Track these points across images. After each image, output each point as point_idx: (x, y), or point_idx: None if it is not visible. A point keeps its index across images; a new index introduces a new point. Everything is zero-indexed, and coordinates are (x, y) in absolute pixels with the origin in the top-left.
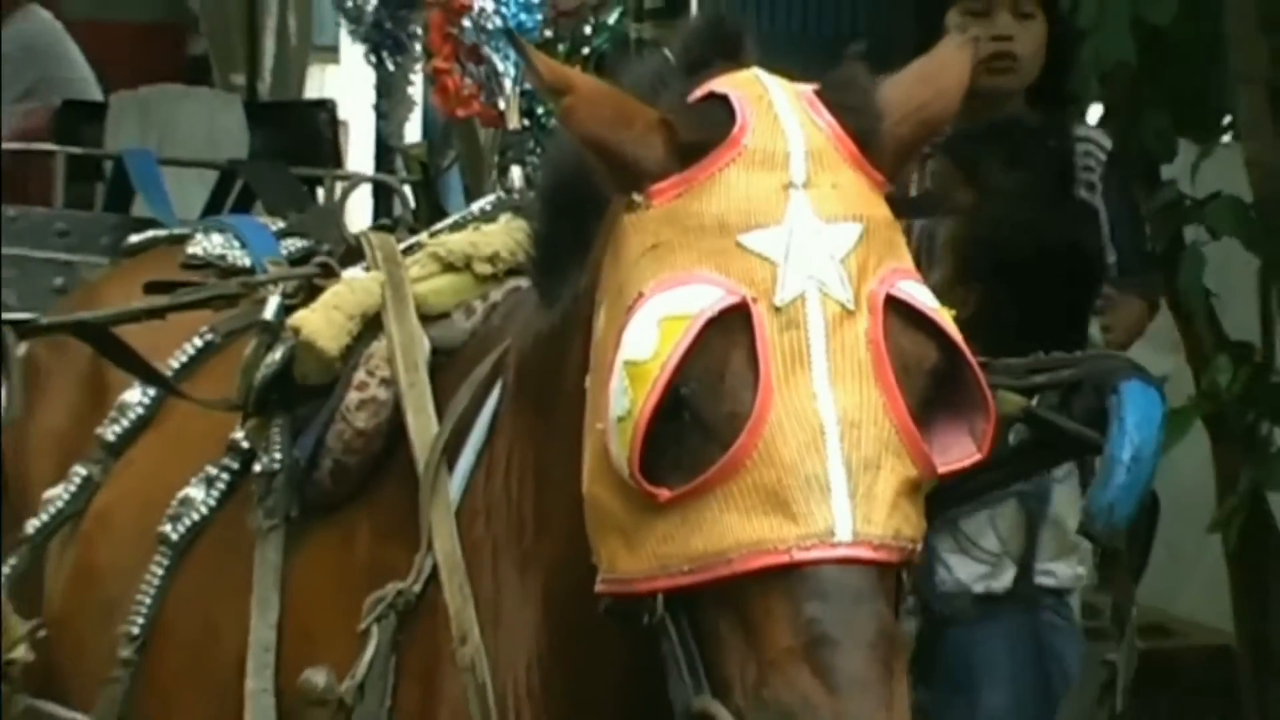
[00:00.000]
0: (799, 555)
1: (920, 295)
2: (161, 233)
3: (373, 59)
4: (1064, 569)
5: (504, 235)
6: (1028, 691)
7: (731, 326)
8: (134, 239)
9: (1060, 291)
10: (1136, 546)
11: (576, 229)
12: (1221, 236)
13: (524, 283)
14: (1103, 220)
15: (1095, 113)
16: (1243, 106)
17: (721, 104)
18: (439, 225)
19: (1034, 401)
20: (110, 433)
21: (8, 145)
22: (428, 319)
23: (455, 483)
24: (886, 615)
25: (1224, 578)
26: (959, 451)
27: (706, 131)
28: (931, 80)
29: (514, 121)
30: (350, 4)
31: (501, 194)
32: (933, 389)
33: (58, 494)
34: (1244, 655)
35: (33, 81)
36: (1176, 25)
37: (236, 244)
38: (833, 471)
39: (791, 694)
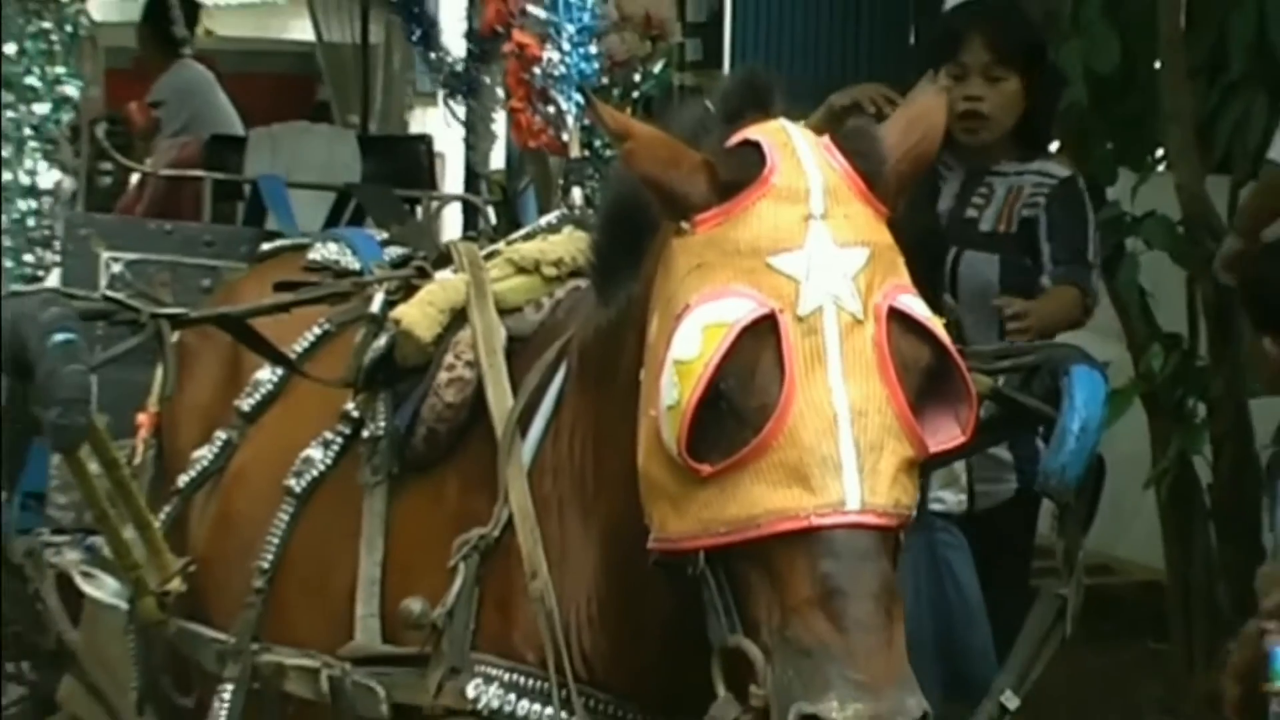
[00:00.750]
0: (816, 521)
1: (916, 307)
2: (288, 242)
3: (451, 101)
4: (950, 496)
5: (567, 244)
6: (926, 596)
7: (762, 333)
8: (266, 247)
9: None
10: (1084, 501)
11: (631, 244)
12: (1155, 247)
13: (583, 283)
14: (1041, 227)
15: (1053, 146)
16: (1172, 141)
17: (754, 149)
18: (513, 236)
19: (1000, 382)
20: (246, 404)
21: (165, 171)
22: (504, 312)
23: (527, 447)
24: (888, 571)
25: (1157, 526)
26: (946, 434)
27: (742, 172)
28: (919, 125)
29: (575, 151)
30: (434, 57)
31: (564, 211)
32: (926, 383)
33: (203, 454)
34: (1172, 589)
35: (186, 120)
36: (1118, 74)
37: (349, 251)
38: (844, 452)
39: (809, 635)
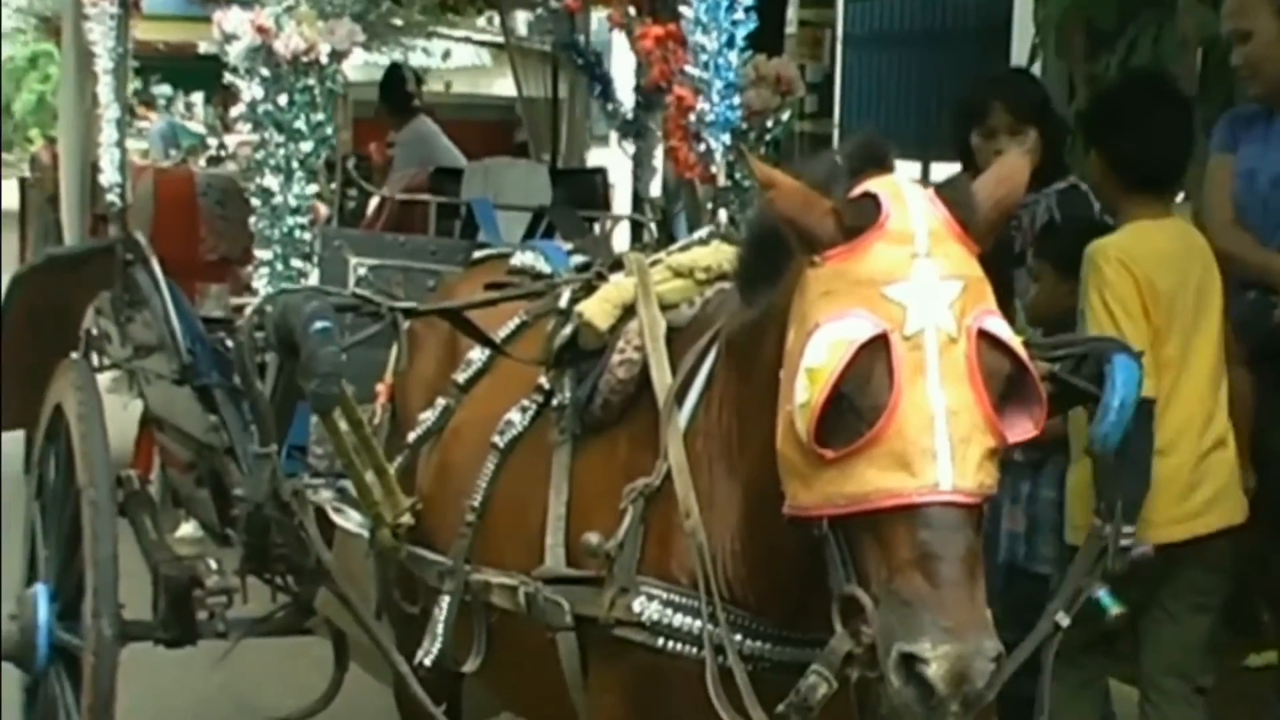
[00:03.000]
0: (917, 499)
1: (1000, 328)
2: (495, 251)
3: (623, 141)
4: (1020, 455)
5: (715, 254)
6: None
7: (876, 348)
8: (477, 255)
9: None
10: (1124, 462)
11: (771, 261)
12: None
13: (727, 286)
14: (1054, 217)
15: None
16: None
17: (872, 199)
18: (672, 248)
19: (1057, 367)
20: (461, 377)
21: (399, 195)
22: (665, 308)
23: (683, 415)
24: (973, 539)
25: None
26: (1021, 430)
27: (862, 218)
28: (1005, 181)
29: (721, 181)
30: (610, 107)
31: (712, 228)
32: (1006, 389)
33: (427, 417)
34: None
35: (420, 159)
36: None
37: (543, 259)
38: (940, 444)
39: (909, 589)
